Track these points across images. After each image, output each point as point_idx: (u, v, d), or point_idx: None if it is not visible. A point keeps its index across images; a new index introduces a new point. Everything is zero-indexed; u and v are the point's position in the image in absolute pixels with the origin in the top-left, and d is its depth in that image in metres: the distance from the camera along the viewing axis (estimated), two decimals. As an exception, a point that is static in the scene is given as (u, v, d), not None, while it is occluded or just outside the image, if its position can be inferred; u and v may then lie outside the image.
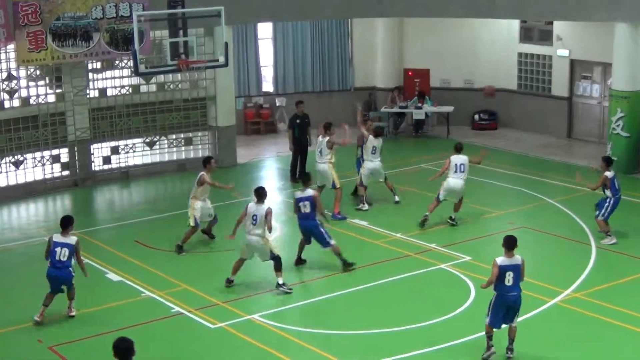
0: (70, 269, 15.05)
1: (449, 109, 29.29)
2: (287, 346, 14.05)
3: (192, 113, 25.72)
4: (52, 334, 14.34)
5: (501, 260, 13.06)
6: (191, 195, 18.47)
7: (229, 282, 16.44)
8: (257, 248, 16.13)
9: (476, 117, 30.20)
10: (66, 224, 15.18)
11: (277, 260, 16.16)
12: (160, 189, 24.40)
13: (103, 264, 17.79)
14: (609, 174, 18.27)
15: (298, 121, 23.72)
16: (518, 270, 13.03)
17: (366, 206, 20.89)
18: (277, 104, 30.30)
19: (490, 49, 29.92)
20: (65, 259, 14.92)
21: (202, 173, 18.52)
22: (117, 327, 14.65)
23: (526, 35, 29.38)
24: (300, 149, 23.79)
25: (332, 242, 17.05)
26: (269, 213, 15.96)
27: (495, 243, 18.94)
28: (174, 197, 23.36)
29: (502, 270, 12.98)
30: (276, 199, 22.60)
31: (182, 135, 25.80)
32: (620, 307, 15.13)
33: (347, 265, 17.14)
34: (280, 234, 19.23)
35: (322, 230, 17.07)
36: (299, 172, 23.81)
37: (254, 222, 16.03)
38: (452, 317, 14.95)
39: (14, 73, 22.97)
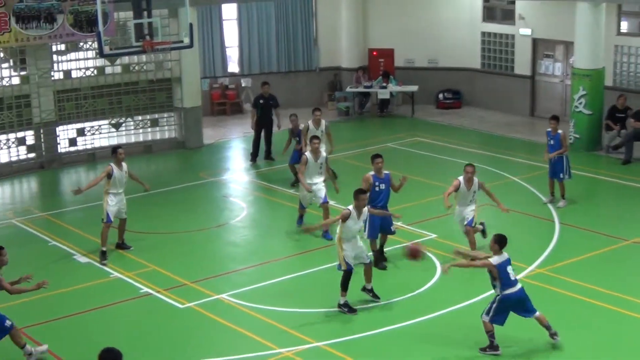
0: None
1: (414, 88, 29.37)
2: (255, 325, 14.08)
3: (158, 94, 25.61)
4: (22, 316, 14.25)
5: (496, 260, 12.63)
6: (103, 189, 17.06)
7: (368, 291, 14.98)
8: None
9: (440, 96, 30.31)
10: None
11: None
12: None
13: (71, 246, 17.71)
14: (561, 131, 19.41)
15: (262, 101, 23.67)
16: (510, 261, 12.78)
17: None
18: (243, 85, 30.24)
19: (454, 29, 30.00)
20: None
21: (109, 164, 17.18)
22: (87, 308, 14.66)
23: (489, 14, 29.50)
24: (264, 129, 23.75)
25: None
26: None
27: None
28: (142, 178, 23.21)
29: (502, 268, 12.61)
30: (243, 178, 22.64)
31: (148, 117, 25.69)
32: (583, 282, 15.31)
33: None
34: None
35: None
36: (265, 153, 23.83)
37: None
38: (417, 294, 15.07)
39: (-22, 56, 22.82)
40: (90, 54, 24.54)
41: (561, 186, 19.47)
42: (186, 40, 20.48)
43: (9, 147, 23.37)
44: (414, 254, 14.49)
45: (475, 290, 14.74)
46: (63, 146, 24.40)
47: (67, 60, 24.39)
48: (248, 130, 27.18)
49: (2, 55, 23.33)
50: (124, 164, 17.14)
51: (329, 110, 29.82)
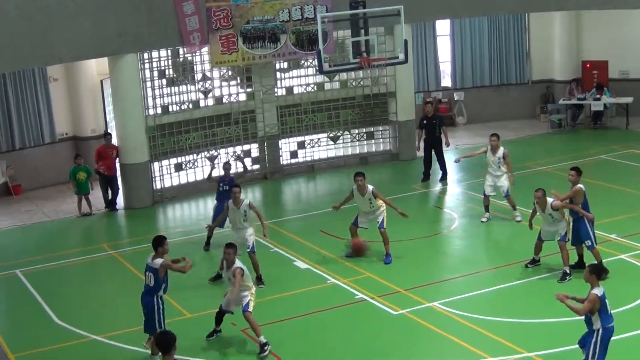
0: (154, 296, 13.45)
1: (628, 99, 28.35)
2: (467, 333, 14.02)
3: (374, 108, 25.94)
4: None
5: (599, 290, 11.47)
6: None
7: None
8: None
9: (656, 107, 29.13)
10: (155, 245, 13.56)
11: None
12: (344, 181, 24.62)
13: (291, 252, 18.24)
14: None
15: (425, 122, 23.35)
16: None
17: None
18: (456, 98, 30.15)
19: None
20: (152, 283, 13.47)
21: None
22: (305, 312, 15.03)
23: None
24: (433, 149, 23.41)
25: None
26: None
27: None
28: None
29: (603, 299, 11.48)
30: (456, 190, 22.60)
31: (364, 130, 26.06)
32: None
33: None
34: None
35: None
36: (442, 174, 23.40)
37: None
38: (631, 308, 14.55)
39: (208, 74, 23.85)
40: (311, 71, 25.18)
41: None
42: (401, 56, 20.61)
43: (235, 159, 24.29)
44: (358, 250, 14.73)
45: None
46: (285, 158, 25.16)
47: (289, 77, 25.14)
48: (459, 143, 27.13)
49: (230, 73, 24.30)
50: (244, 202, 16.67)
51: (541, 122, 29.25)
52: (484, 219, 19.58)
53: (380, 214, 17.39)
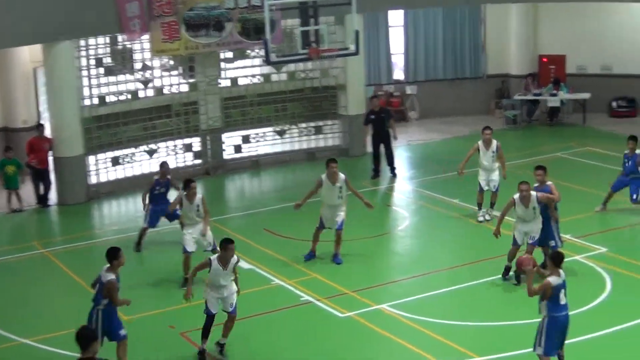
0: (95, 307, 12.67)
1: (586, 95, 28.56)
2: (416, 337, 13.91)
3: (323, 102, 25.80)
4: (183, 320, 14.52)
5: (555, 280, 11.77)
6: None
7: None
8: None
9: (614, 104, 29.35)
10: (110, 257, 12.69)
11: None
12: (290, 177, 24.56)
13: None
14: None
15: (373, 117, 23.28)
16: (565, 285, 12.02)
17: None
18: (408, 92, 30.13)
19: (630, 33, 28.95)
20: (95, 293, 12.76)
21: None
22: (248, 315, 14.80)
23: (668, 18, 28.39)
24: (382, 144, 23.37)
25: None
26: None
27: (634, 234, 18.50)
28: (304, 186, 23.43)
29: (556, 290, 11.77)
30: (407, 187, 22.55)
31: (312, 124, 25.92)
32: None
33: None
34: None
35: None
36: (390, 169, 23.38)
37: None
38: (587, 310, 14.55)
39: (149, 63, 23.54)
40: (257, 61, 24.99)
41: None
42: (352, 47, 20.48)
43: (175, 153, 24.03)
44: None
45: None
46: (228, 153, 24.92)
47: (234, 68, 24.90)
48: (412, 138, 27.12)
49: (172, 62, 24.00)
50: (197, 196, 16.41)
51: (496, 118, 29.35)
52: (480, 218, 19.32)
53: (342, 212, 17.20)
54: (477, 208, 19.48)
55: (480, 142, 19.43)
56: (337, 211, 17.20)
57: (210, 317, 13.39)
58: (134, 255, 18.04)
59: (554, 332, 11.83)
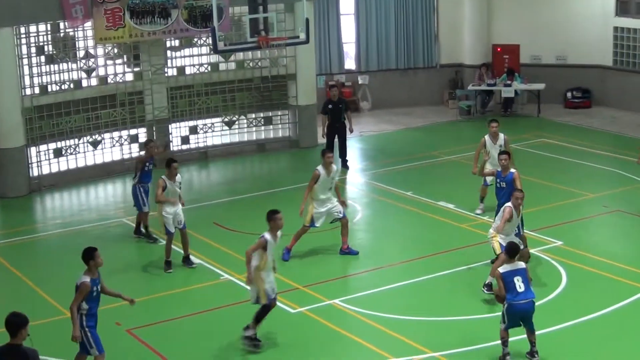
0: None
1: (540, 86, 28.93)
2: (369, 332, 14.07)
3: (272, 92, 25.86)
4: (131, 317, 14.55)
5: (503, 268, 12.74)
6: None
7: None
8: None
9: (569, 94, 29.77)
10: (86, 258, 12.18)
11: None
12: (239, 169, 24.60)
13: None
14: None
15: (331, 106, 23.36)
16: (524, 273, 12.69)
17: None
18: (360, 82, 30.28)
19: (584, 23, 29.42)
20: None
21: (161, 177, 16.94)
22: (196, 310, 14.87)
23: (622, 8, 28.81)
24: (337, 134, 23.47)
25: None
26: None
27: (590, 227, 18.80)
28: (253, 178, 23.60)
29: (507, 277, 12.58)
30: (359, 180, 22.68)
31: (261, 115, 25.97)
32: None
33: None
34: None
35: None
36: (342, 161, 23.43)
37: None
38: (544, 303, 14.80)
39: (92, 51, 23.40)
40: (204, 49, 24.95)
41: None
42: (302, 36, 20.61)
43: (121, 145, 23.95)
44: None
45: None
46: (175, 144, 24.88)
47: (180, 57, 24.87)
48: (364, 129, 27.27)
49: (116, 51, 23.90)
50: (178, 177, 17.04)
51: (449, 108, 29.61)
52: (478, 211, 19.34)
53: (335, 201, 17.32)
54: (474, 203, 19.54)
55: (486, 137, 19.35)
56: (332, 201, 17.34)
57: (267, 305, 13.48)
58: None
59: (512, 317, 12.61)
